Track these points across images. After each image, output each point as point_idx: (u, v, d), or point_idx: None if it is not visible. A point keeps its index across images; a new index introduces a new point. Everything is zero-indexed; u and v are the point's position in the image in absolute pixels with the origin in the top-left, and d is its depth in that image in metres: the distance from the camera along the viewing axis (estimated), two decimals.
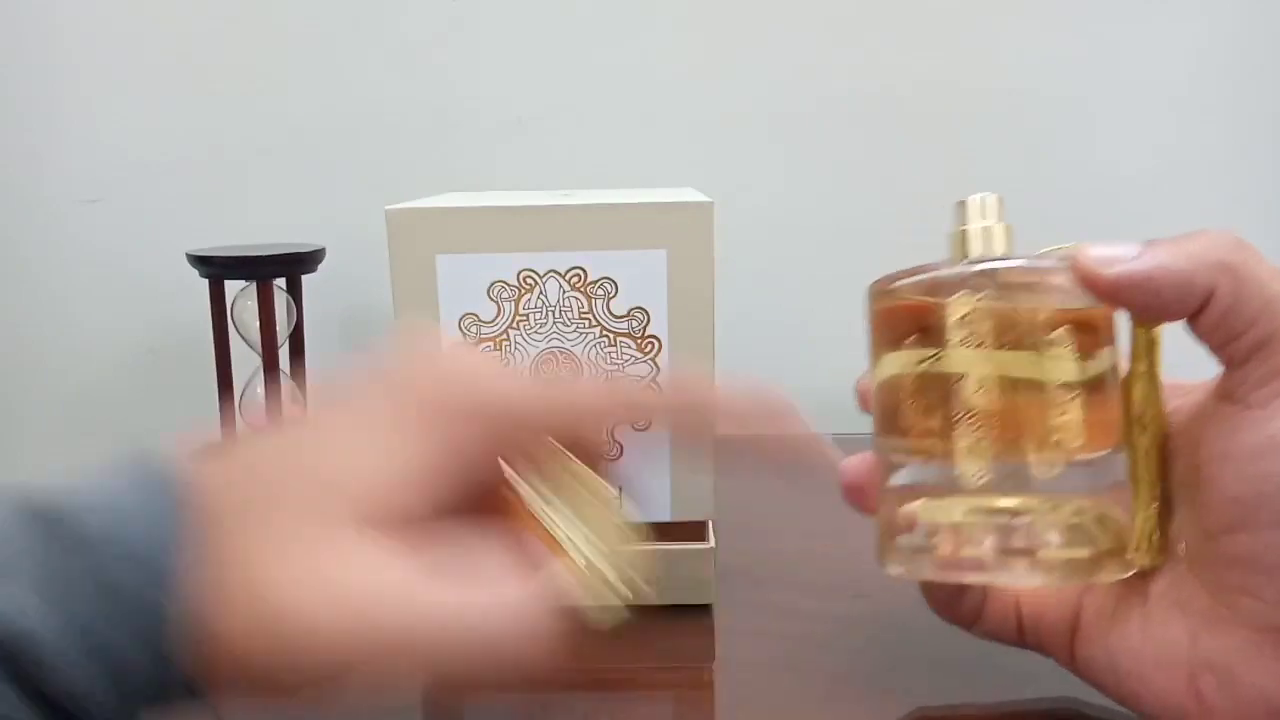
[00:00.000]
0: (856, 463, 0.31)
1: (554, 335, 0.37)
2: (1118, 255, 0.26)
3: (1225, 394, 0.26)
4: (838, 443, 0.59)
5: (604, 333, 0.37)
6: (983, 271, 0.28)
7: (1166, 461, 0.28)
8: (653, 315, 0.37)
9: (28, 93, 0.67)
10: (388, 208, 0.37)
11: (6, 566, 0.21)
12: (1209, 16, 0.65)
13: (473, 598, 0.24)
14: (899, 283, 0.29)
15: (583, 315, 0.37)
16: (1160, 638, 0.27)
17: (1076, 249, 0.27)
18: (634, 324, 0.37)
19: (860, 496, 0.31)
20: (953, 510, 0.27)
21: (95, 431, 0.71)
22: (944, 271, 0.28)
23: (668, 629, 0.39)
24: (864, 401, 0.32)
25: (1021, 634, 0.31)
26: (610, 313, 0.37)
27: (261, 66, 0.66)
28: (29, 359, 0.70)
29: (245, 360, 0.58)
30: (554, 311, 0.37)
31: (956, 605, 0.31)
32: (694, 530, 0.40)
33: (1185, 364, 0.28)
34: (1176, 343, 0.28)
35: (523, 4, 0.65)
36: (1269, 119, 0.66)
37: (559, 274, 0.37)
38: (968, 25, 0.65)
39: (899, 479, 0.29)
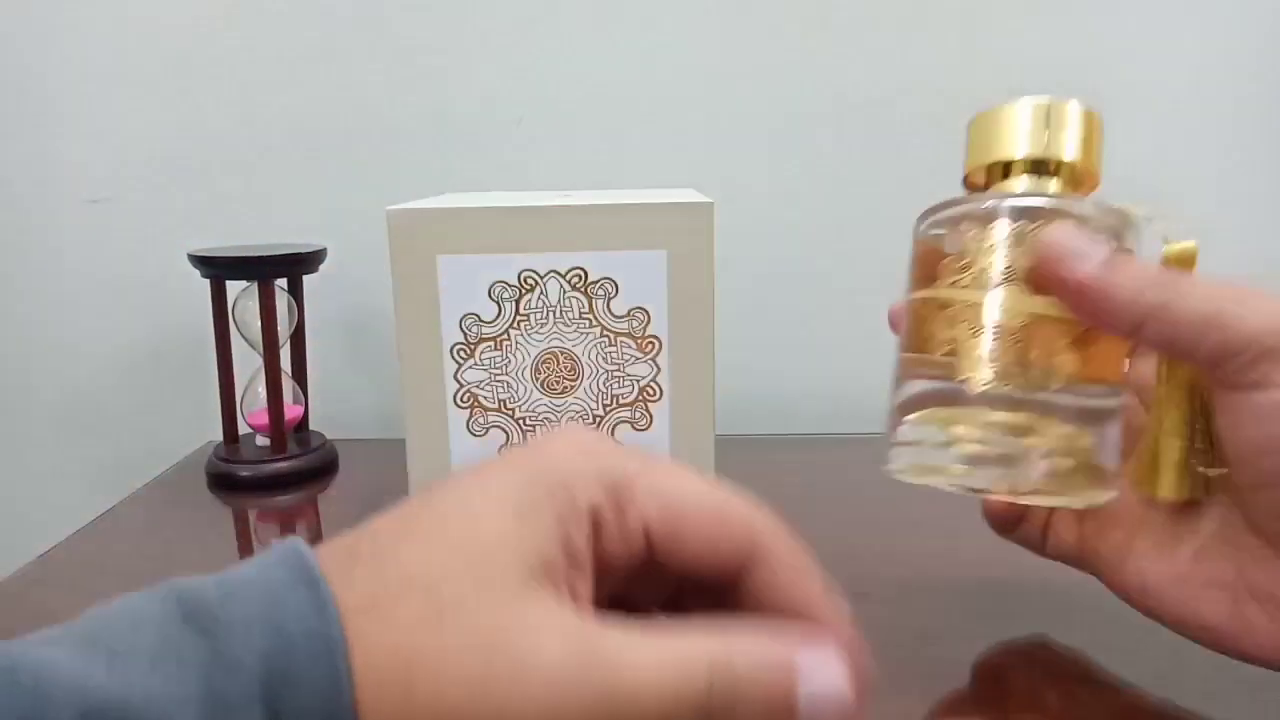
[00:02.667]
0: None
1: (555, 335, 0.38)
2: (1085, 253, 0.28)
3: (1217, 380, 0.28)
4: (839, 443, 0.59)
5: (604, 332, 0.38)
6: (1015, 208, 0.29)
7: (1206, 406, 0.30)
8: (653, 315, 0.37)
9: (28, 93, 0.67)
10: (389, 208, 0.37)
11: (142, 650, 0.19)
12: (1209, 17, 0.65)
13: (668, 646, 0.21)
14: (944, 214, 0.31)
15: (583, 315, 0.37)
16: (1209, 568, 0.29)
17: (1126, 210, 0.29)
18: (634, 324, 0.38)
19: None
20: (954, 420, 0.29)
21: (96, 431, 0.71)
22: (984, 205, 0.30)
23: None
24: (894, 324, 0.32)
25: (1081, 557, 0.33)
26: (611, 313, 0.37)
27: (262, 67, 0.66)
28: (30, 359, 0.70)
29: (246, 360, 0.58)
30: (555, 311, 0.37)
31: (1017, 529, 0.34)
32: None
33: None
34: None
35: (522, 4, 0.65)
36: (1269, 119, 0.67)
37: (559, 274, 0.37)
38: (968, 27, 0.65)
39: (913, 389, 0.30)
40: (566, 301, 0.37)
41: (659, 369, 0.38)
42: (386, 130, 0.67)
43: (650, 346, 0.38)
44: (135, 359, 0.70)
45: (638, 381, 0.38)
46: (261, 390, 0.56)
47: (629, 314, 0.37)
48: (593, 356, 0.38)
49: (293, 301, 0.58)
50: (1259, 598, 0.28)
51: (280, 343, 0.55)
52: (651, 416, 0.38)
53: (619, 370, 0.38)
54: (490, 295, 0.37)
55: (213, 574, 0.21)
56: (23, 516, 0.71)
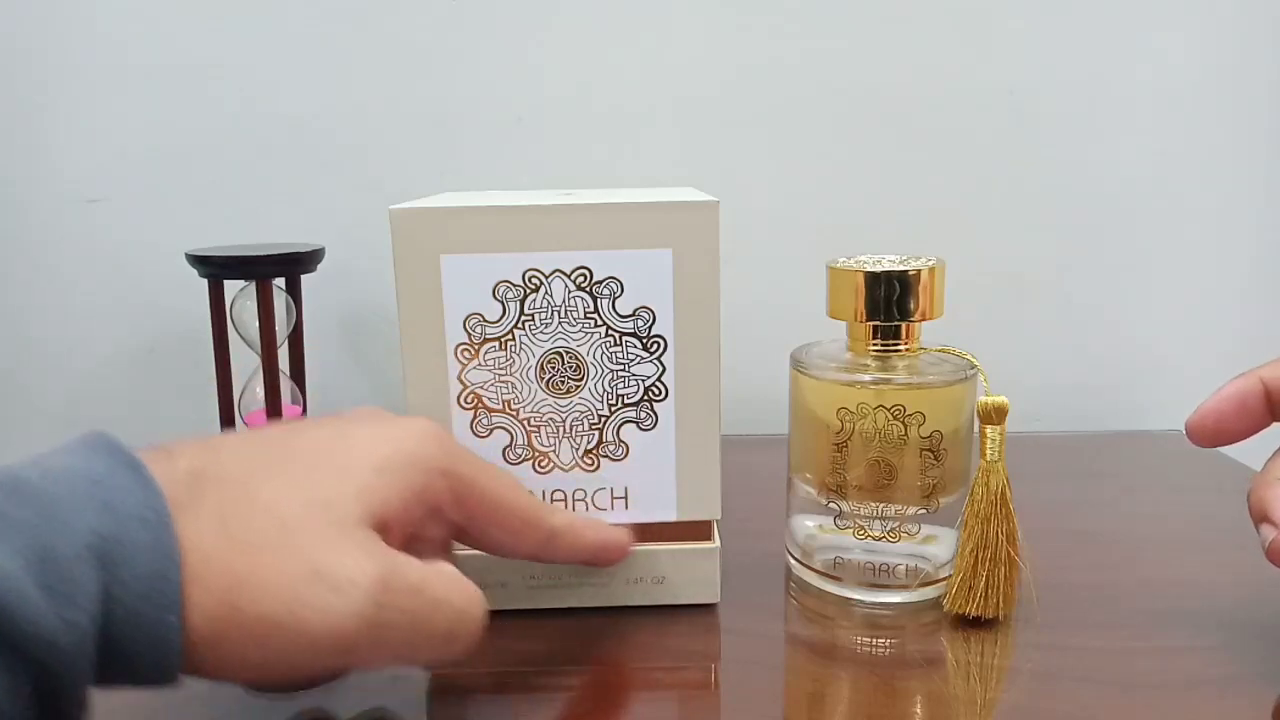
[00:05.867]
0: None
1: (559, 335, 0.37)
2: None
3: None
4: None
5: (610, 332, 0.37)
6: (877, 381, 0.39)
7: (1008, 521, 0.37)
8: (658, 315, 0.37)
9: (27, 92, 0.66)
10: (392, 208, 0.37)
11: None
12: (1209, 18, 0.65)
13: (441, 574, 0.27)
14: (816, 372, 0.40)
15: (588, 315, 0.37)
16: None
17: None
18: (640, 323, 0.37)
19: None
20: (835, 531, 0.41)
21: None
22: (851, 378, 0.39)
23: (673, 629, 0.39)
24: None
25: None
26: (616, 312, 0.37)
27: (261, 66, 0.66)
28: (28, 358, 0.70)
29: (245, 360, 0.58)
30: (559, 311, 0.37)
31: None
32: (700, 530, 0.40)
33: None
34: None
35: (522, 3, 0.65)
36: (1268, 121, 0.67)
37: (564, 273, 0.37)
38: (970, 26, 0.65)
39: (802, 496, 0.42)
40: (571, 301, 0.37)
41: (664, 368, 0.38)
42: (386, 130, 0.67)
43: (656, 346, 0.38)
44: (132, 359, 0.70)
45: (643, 381, 0.38)
46: (259, 390, 0.55)
47: (634, 313, 0.37)
48: (598, 356, 0.38)
49: (291, 301, 0.57)
50: None
51: (278, 343, 0.55)
52: (657, 416, 0.38)
53: (624, 370, 0.38)
54: (494, 295, 0.37)
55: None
56: None
